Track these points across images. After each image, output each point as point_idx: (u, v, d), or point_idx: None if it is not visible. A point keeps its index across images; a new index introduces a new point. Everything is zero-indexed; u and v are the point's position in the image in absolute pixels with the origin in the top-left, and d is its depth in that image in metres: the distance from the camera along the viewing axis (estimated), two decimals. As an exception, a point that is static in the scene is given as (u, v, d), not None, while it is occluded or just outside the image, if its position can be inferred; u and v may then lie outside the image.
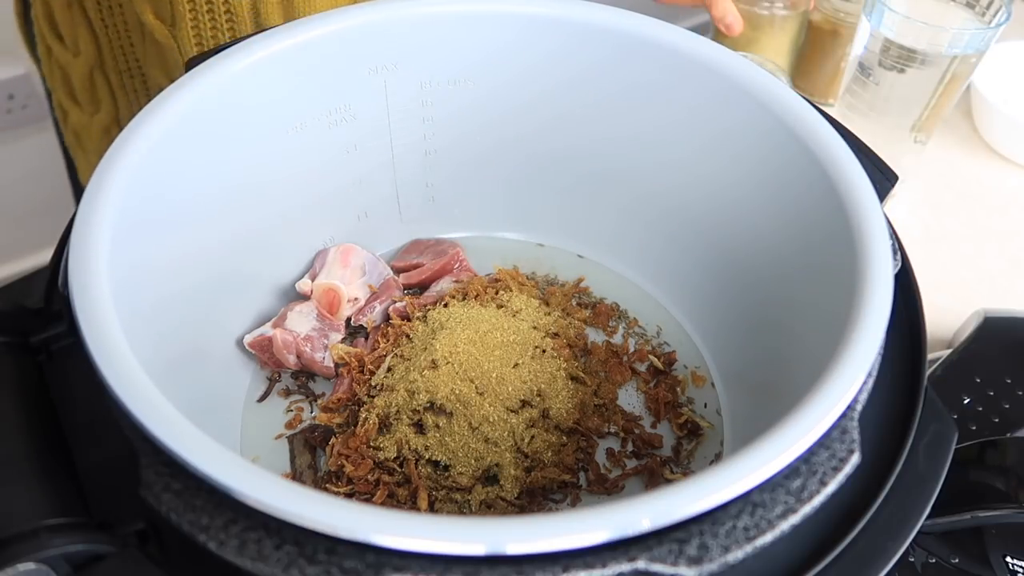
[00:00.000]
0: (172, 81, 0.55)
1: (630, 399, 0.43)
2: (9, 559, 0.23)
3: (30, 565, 0.23)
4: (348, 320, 0.45)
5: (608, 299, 0.48)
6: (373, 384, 0.41)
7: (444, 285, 0.47)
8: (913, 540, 0.27)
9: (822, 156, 0.34)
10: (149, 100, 0.58)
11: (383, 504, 0.37)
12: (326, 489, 0.38)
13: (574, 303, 0.47)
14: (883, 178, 0.34)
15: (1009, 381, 0.47)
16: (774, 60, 0.68)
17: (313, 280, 0.45)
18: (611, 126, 0.43)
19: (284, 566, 0.22)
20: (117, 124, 0.60)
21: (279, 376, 0.44)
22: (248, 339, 0.42)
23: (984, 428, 0.45)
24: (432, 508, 0.38)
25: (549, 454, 0.39)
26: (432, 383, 0.39)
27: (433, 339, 0.41)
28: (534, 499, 0.38)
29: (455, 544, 0.22)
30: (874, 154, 0.36)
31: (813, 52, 0.71)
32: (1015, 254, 0.63)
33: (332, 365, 0.43)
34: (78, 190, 0.71)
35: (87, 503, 0.26)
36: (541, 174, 0.47)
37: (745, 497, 0.24)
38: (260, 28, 0.53)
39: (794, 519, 0.24)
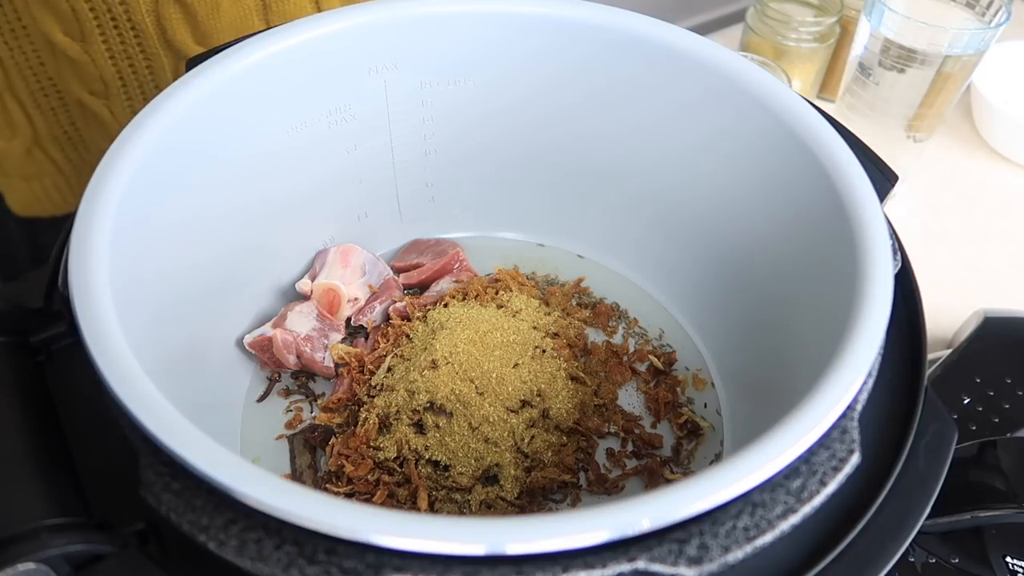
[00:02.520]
0: (92, 94, 0.54)
1: (630, 399, 0.43)
2: (9, 559, 0.23)
3: (30, 565, 0.23)
4: (348, 320, 0.45)
5: (608, 299, 0.48)
6: (373, 384, 0.41)
7: (444, 285, 0.47)
8: (913, 540, 0.27)
9: (822, 156, 0.34)
10: (69, 116, 0.57)
11: (383, 504, 0.37)
12: (326, 489, 0.38)
13: (574, 303, 0.47)
14: (883, 178, 0.34)
15: (1009, 381, 0.47)
16: (800, 88, 0.68)
17: (313, 280, 0.45)
18: (610, 124, 0.43)
19: (284, 566, 0.22)
20: (38, 144, 0.58)
21: (279, 376, 0.44)
22: (248, 339, 0.42)
23: (984, 428, 0.45)
24: (432, 508, 0.38)
25: (549, 454, 0.39)
26: (432, 383, 0.39)
27: (433, 339, 0.41)
28: (534, 499, 0.38)
29: (455, 544, 0.22)
30: (874, 154, 0.36)
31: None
32: (1015, 254, 0.63)
33: (332, 365, 0.43)
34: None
35: (87, 503, 0.26)
36: (541, 173, 0.47)
37: (745, 497, 0.24)
38: (168, 45, 0.52)
39: (794, 519, 0.24)
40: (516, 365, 0.41)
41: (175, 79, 0.34)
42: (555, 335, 0.44)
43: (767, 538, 0.24)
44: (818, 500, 0.24)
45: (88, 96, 0.55)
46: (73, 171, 0.60)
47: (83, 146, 0.59)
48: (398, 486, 0.38)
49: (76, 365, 0.29)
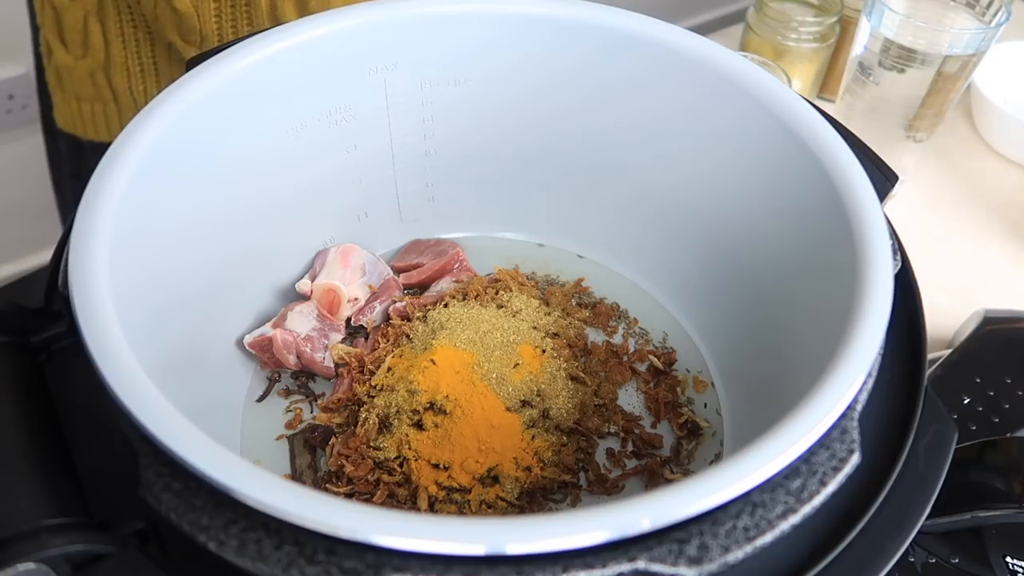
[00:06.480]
0: (185, 41, 0.56)
1: (630, 399, 0.43)
2: (9, 559, 0.23)
3: (30, 565, 0.23)
4: (348, 320, 0.45)
5: (608, 299, 0.48)
6: (373, 384, 0.41)
7: (444, 285, 0.47)
8: (913, 540, 0.27)
9: (822, 156, 0.34)
10: (152, 51, 0.59)
11: (383, 504, 0.37)
12: (326, 489, 0.38)
13: (574, 303, 0.47)
14: (883, 178, 0.34)
15: (1009, 381, 0.47)
16: (800, 88, 0.68)
17: (313, 280, 0.45)
18: (610, 124, 0.43)
19: (284, 566, 0.22)
20: (103, 70, 0.60)
21: (279, 376, 0.44)
22: (248, 339, 0.42)
23: (984, 428, 0.45)
24: (432, 508, 0.38)
25: (549, 454, 0.39)
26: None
27: (433, 339, 0.41)
28: (534, 499, 0.38)
29: (455, 544, 0.22)
30: (874, 154, 0.36)
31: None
32: (1015, 254, 0.63)
33: (332, 365, 0.43)
34: (52, 156, 0.70)
35: (87, 503, 0.26)
36: (541, 173, 0.47)
37: (745, 497, 0.24)
38: (275, 21, 0.54)
39: (794, 519, 0.24)
40: (516, 365, 0.41)
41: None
42: (555, 335, 0.44)
43: (767, 538, 0.24)
44: (818, 500, 0.24)
45: (180, 41, 0.56)
46: (131, 102, 0.62)
47: (154, 78, 0.60)
48: (398, 486, 0.38)
49: (76, 365, 0.29)
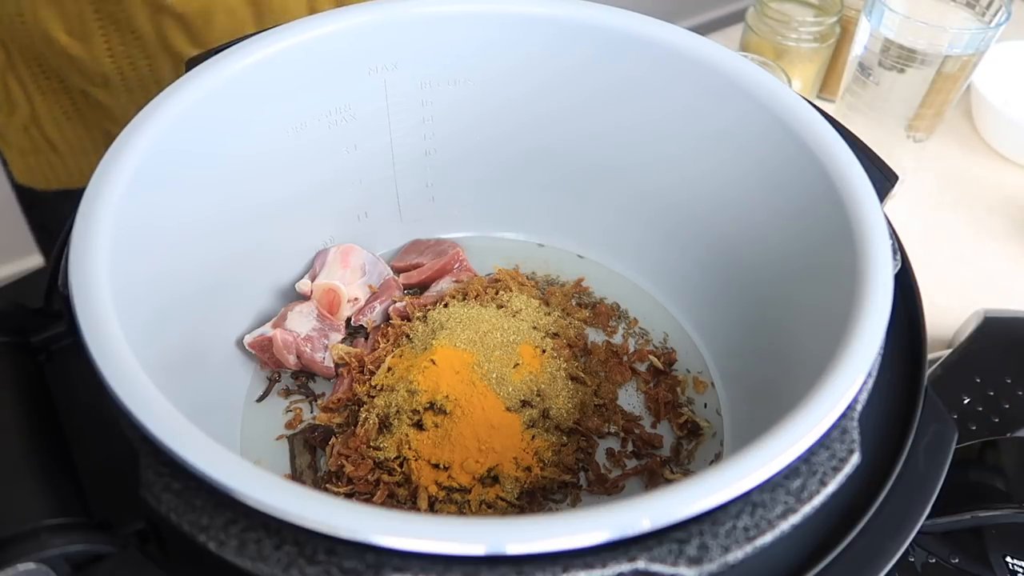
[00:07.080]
0: (93, 85, 0.56)
1: (630, 399, 0.43)
2: (9, 559, 0.23)
3: (30, 565, 0.23)
4: (348, 320, 0.45)
5: (608, 299, 0.48)
6: (373, 384, 0.41)
7: (444, 285, 0.47)
8: (913, 540, 0.27)
9: (822, 156, 0.34)
10: (71, 98, 0.59)
11: (383, 504, 0.37)
12: (326, 489, 0.38)
13: (574, 303, 0.47)
14: (883, 178, 0.34)
15: (1009, 381, 0.47)
16: (800, 88, 0.68)
17: (313, 280, 0.45)
18: (610, 124, 0.43)
19: (284, 566, 0.22)
20: (34, 124, 0.60)
21: (279, 376, 0.44)
22: (248, 339, 0.42)
23: (984, 428, 0.45)
24: (432, 508, 0.38)
25: (549, 454, 0.39)
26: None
27: (433, 339, 0.41)
28: (534, 499, 0.38)
29: (455, 544, 0.22)
30: (874, 154, 0.36)
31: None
32: (1015, 254, 0.63)
33: (332, 365, 0.43)
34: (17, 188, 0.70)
35: (87, 503, 0.26)
36: (541, 173, 0.47)
37: (745, 497, 0.24)
38: (167, 49, 0.54)
39: (794, 519, 0.24)
40: (516, 365, 0.41)
41: (175, 76, 0.34)
42: (555, 335, 0.44)
43: (767, 538, 0.24)
44: (818, 500, 0.24)
45: (89, 85, 0.57)
46: (69, 150, 0.62)
47: (83, 126, 0.61)
48: (398, 486, 0.38)
49: (76, 365, 0.29)
